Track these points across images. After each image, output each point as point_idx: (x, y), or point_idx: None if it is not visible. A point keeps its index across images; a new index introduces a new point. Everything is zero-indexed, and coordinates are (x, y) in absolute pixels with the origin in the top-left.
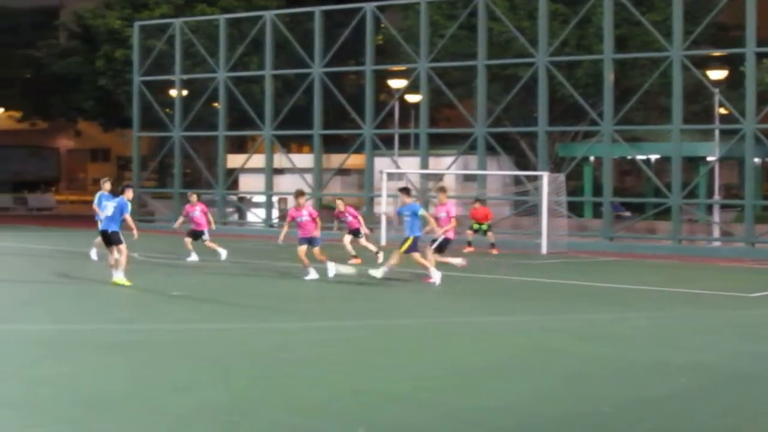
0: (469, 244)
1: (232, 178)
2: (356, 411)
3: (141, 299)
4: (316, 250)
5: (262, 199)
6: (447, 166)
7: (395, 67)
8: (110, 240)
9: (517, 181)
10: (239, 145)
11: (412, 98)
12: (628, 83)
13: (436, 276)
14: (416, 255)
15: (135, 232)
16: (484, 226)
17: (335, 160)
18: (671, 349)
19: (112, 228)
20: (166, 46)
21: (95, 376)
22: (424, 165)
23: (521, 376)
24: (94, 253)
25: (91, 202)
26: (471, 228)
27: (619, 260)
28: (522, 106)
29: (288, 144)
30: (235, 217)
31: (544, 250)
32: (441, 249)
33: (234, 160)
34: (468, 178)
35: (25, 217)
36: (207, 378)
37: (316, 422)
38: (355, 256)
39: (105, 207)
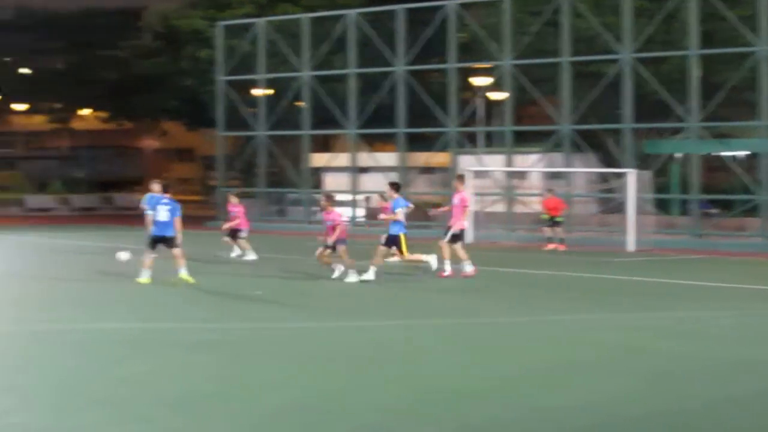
0: (550, 240)
1: (316, 176)
2: (437, 410)
3: (223, 298)
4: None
5: (346, 197)
6: (532, 163)
7: (479, 65)
8: (169, 244)
9: (603, 178)
10: (323, 144)
11: (496, 96)
12: (714, 79)
13: (469, 268)
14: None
15: (179, 235)
16: (559, 218)
17: (419, 158)
18: (758, 347)
19: (169, 233)
20: (250, 46)
21: (178, 375)
22: (509, 163)
23: (604, 375)
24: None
25: (178, 202)
26: (544, 220)
27: (707, 258)
28: (607, 102)
29: (372, 142)
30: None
31: (630, 247)
32: (455, 240)
33: (318, 159)
34: (553, 176)
35: (110, 217)
36: (289, 377)
37: (399, 421)
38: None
39: (156, 209)
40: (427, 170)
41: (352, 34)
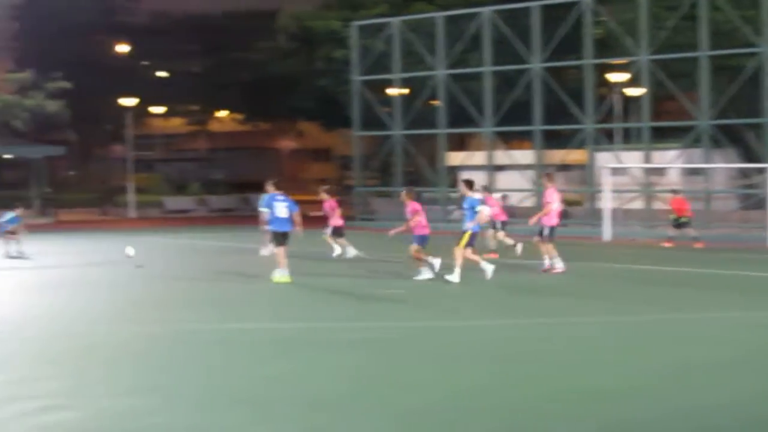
0: (670, 239)
1: (452, 175)
2: (576, 409)
3: (362, 297)
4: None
5: (481, 195)
6: (670, 159)
7: (615, 61)
8: (286, 240)
9: (743, 174)
10: (459, 143)
11: (633, 91)
12: None
13: (559, 265)
14: (469, 250)
15: (300, 228)
16: (683, 219)
17: (556, 155)
18: None
19: (287, 228)
20: (385, 46)
21: (322, 374)
22: (647, 159)
23: (749, 374)
24: (266, 251)
25: (312, 202)
26: (673, 222)
27: None
28: (747, 96)
29: (508, 140)
30: (457, 214)
31: None
32: (549, 238)
33: (455, 158)
34: (692, 172)
35: (248, 217)
36: (430, 375)
37: (544, 421)
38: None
39: (275, 207)
40: (564, 168)
41: (487, 31)
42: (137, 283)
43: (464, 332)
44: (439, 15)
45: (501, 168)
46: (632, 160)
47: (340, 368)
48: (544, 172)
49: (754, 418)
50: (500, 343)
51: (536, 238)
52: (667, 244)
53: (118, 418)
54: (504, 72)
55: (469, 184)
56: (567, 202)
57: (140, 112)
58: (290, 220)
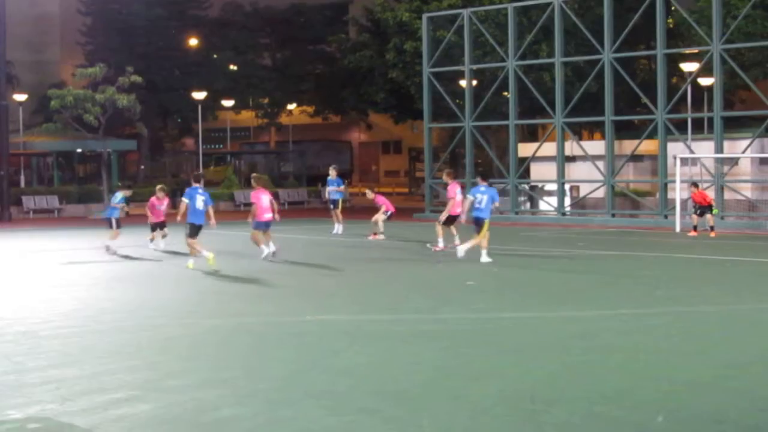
0: (695, 228)
1: (523, 166)
2: (659, 399)
3: (436, 289)
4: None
5: (554, 187)
6: (743, 149)
7: (687, 50)
8: (199, 232)
9: None
10: (530, 133)
11: (705, 81)
12: None
13: (441, 245)
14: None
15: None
16: (714, 210)
17: (627, 146)
18: None
19: (202, 221)
20: (455, 37)
21: (396, 366)
22: (719, 149)
23: None
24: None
25: (382, 193)
26: (695, 212)
27: None
28: None
29: (579, 131)
30: (527, 205)
31: None
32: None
33: (525, 149)
34: (764, 162)
35: (319, 210)
36: (508, 366)
37: (618, 411)
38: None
39: (194, 200)
40: (636, 158)
41: (558, 21)
42: (207, 277)
43: (543, 323)
44: (510, 5)
45: (572, 159)
46: (704, 150)
47: (414, 359)
48: (445, 170)
49: None
50: (586, 334)
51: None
52: (693, 234)
53: (189, 412)
54: (574, 62)
55: (482, 176)
56: (637, 193)
57: (211, 105)
58: (205, 213)
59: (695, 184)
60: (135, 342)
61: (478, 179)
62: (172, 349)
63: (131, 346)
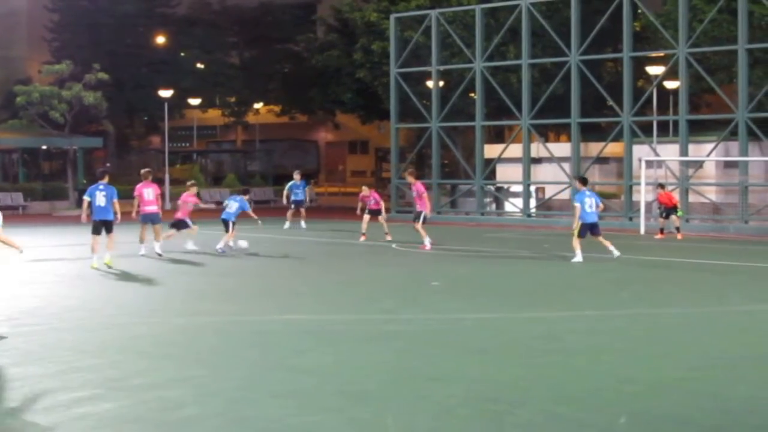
0: (661, 231)
1: (489, 168)
2: (622, 400)
3: (401, 289)
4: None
5: (519, 188)
6: (707, 153)
7: (653, 54)
8: (102, 229)
9: None
10: (497, 135)
11: (670, 84)
12: None
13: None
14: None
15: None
16: (679, 212)
17: (593, 148)
18: None
19: (105, 216)
20: (423, 38)
21: (360, 366)
22: (684, 152)
23: None
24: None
25: (350, 194)
26: (660, 214)
27: None
28: None
29: (545, 133)
30: (493, 207)
31: None
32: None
33: (492, 150)
34: (729, 165)
35: (285, 209)
36: (472, 367)
37: (581, 413)
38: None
39: (95, 197)
40: (602, 160)
41: (525, 24)
42: (174, 275)
43: (506, 324)
44: (477, 7)
45: (538, 161)
46: (669, 152)
47: (377, 360)
48: (407, 170)
49: None
50: (550, 335)
51: (417, 225)
52: (660, 236)
53: (153, 411)
54: (541, 64)
55: (582, 180)
56: (603, 195)
57: (178, 103)
58: (110, 209)
59: (662, 186)
60: (99, 340)
61: (578, 184)
62: (135, 348)
63: (95, 344)
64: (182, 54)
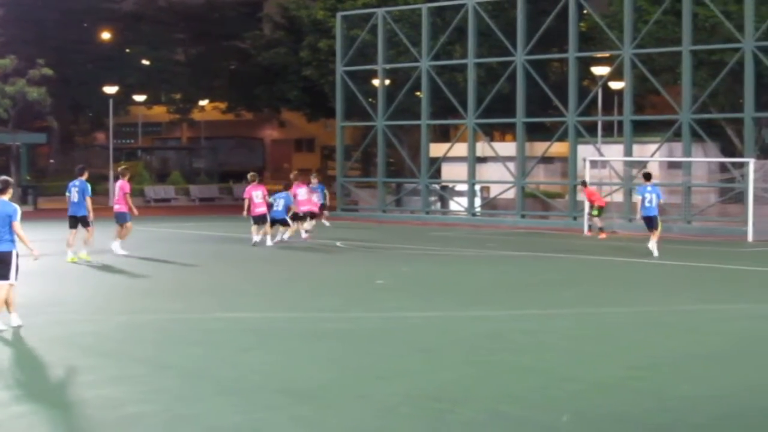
0: (590, 228)
1: (435, 166)
2: (565, 399)
3: (346, 288)
4: None
5: (464, 187)
6: (651, 153)
7: (599, 54)
8: (77, 223)
9: (723, 168)
10: (442, 134)
11: (615, 85)
12: None
13: (304, 235)
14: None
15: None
16: (594, 211)
17: (538, 148)
18: None
19: (77, 212)
20: (369, 36)
21: (303, 364)
22: (629, 152)
23: (739, 365)
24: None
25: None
26: (593, 213)
27: None
28: (728, 92)
29: (491, 132)
30: (438, 205)
31: (750, 237)
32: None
33: (437, 149)
34: (673, 166)
35: (231, 207)
36: (415, 365)
37: (524, 411)
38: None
39: (71, 193)
40: (547, 160)
41: (471, 23)
42: (119, 272)
43: (451, 323)
44: (424, 6)
45: (483, 160)
46: (613, 153)
47: (321, 358)
48: (294, 173)
49: (751, 407)
50: (495, 334)
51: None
52: (602, 236)
53: (94, 409)
54: (487, 64)
55: (647, 176)
56: (547, 195)
57: (123, 100)
58: (83, 204)
59: (584, 183)
60: (41, 338)
61: (642, 179)
62: (78, 346)
63: (37, 341)
64: (128, 50)
